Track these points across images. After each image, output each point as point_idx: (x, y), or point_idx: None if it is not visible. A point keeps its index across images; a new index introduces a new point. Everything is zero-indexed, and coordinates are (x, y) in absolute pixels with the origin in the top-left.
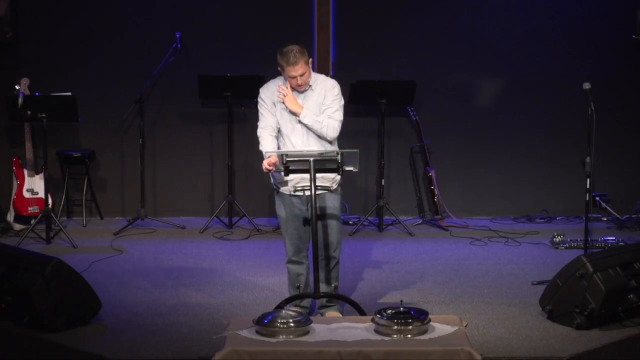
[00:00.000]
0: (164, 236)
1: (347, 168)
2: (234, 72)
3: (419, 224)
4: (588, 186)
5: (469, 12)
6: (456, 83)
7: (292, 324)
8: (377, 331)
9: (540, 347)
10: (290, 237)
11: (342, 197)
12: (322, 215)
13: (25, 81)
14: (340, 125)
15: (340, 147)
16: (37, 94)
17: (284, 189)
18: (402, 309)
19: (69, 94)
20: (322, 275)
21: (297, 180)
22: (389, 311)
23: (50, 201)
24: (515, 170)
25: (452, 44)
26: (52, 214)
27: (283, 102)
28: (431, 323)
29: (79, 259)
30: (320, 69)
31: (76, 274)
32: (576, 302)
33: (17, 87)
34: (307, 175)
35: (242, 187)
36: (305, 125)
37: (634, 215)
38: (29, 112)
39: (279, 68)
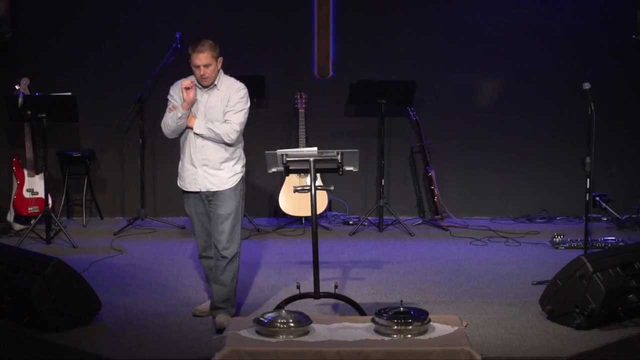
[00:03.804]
0: (164, 236)
1: (347, 168)
2: (234, 72)
3: (419, 224)
4: (588, 186)
5: (469, 12)
6: (456, 83)
7: (292, 324)
8: (377, 331)
9: (540, 347)
10: (198, 234)
11: (243, 195)
12: (212, 214)
13: (25, 81)
14: (239, 128)
15: (340, 147)
16: (37, 94)
17: (182, 185)
18: (402, 309)
19: (69, 94)
20: (213, 276)
21: (193, 177)
22: (389, 311)
23: (50, 201)
24: (515, 170)
25: (452, 44)
26: (52, 214)
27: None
28: (431, 323)
29: (79, 259)
30: (320, 69)
31: (76, 274)
32: (576, 302)
33: (17, 87)
34: (198, 172)
35: None
36: (200, 135)
37: (634, 215)
38: (29, 112)
39: (188, 59)
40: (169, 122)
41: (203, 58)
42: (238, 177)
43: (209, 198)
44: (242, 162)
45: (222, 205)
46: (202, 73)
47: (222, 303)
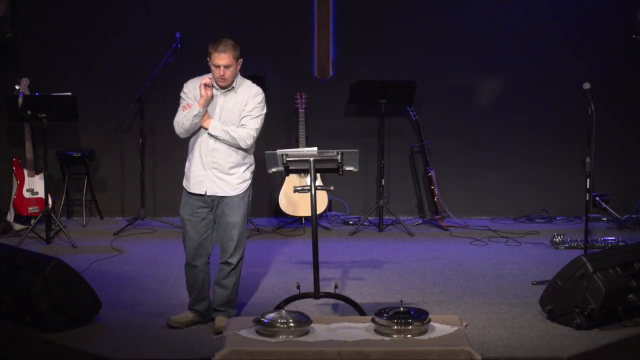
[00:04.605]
0: (164, 236)
1: (347, 168)
2: None
3: (419, 224)
4: (588, 186)
5: (469, 11)
6: (456, 83)
7: (292, 324)
8: (377, 331)
9: (540, 347)
10: (189, 240)
11: (249, 201)
12: (220, 220)
13: (25, 81)
14: (255, 134)
15: (340, 147)
16: (37, 94)
17: (186, 186)
18: (402, 309)
19: (69, 94)
20: (217, 278)
21: (200, 179)
22: (389, 311)
23: (50, 201)
24: (515, 170)
25: (452, 44)
26: (52, 214)
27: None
28: (431, 323)
29: (79, 259)
30: (320, 69)
31: (76, 274)
32: (576, 302)
33: (17, 87)
34: (207, 175)
35: None
36: (215, 137)
37: (634, 215)
38: (29, 112)
39: (207, 58)
40: (183, 120)
41: (225, 58)
42: (247, 184)
43: (214, 203)
44: (252, 168)
45: (230, 213)
46: (222, 73)
47: (222, 306)
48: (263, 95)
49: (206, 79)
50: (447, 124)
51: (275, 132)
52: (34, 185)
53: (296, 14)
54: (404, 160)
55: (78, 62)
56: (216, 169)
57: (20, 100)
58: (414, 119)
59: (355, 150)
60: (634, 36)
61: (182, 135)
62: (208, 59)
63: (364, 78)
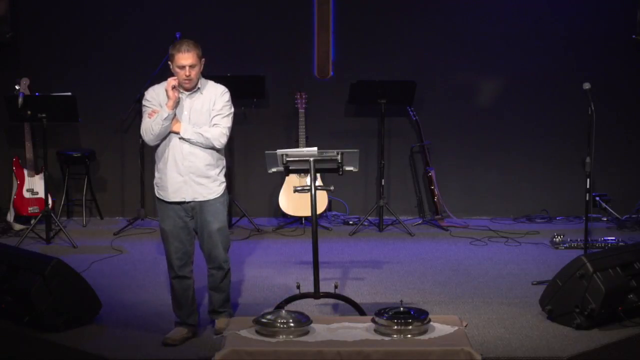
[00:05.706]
0: None
1: (347, 168)
2: (234, 72)
3: (419, 224)
4: (588, 186)
5: (468, 12)
6: (456, 83)
7: (292, 324)
8: (377, 331)
9: (540, 347)
10: (175, 251)
11: (227, 202)
12: (203, 227)
13: (25, 81)
14: (227, 132)
15: (340, 147)
16: (37, 94)
17: (163, 196)
18: (402, 309)
19: (69, 94)
20: (211, 284)
21: (178, 186)
22: (389, 311)
23: (50, 201)
24: (515, 170)
25: (452, 44)
26: (52, 214)
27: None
28: (431, 323)
29: (79, 259)
30: (320, 69)
31: (76, 274)
32: (576, 302)
33: (17, 87)
34: (185, 180)
35: (242, 187)
36: (188, 140)
37: (634, 215)
38: (29, 112)
39: (169, 62)
40: (152, 125)
41: (189, 58)
42: (224, 185)
43: (195, 210)
44: (225, 170)
45: (214, 220)
46: (187, 74)
47: (221, 307)
48: (229, 94)
49: (171, 80)
50: (447, 124)
51: (275, 132)
52: (34, 185)
53: (296, 14)
54: (404, 160)
55: (78, 61)
56: (193, 174)
57: (20, 100)
58: (414, 119)
59: (355, 150)
60: (634, 36)
61: (151, 143)
62: (170, 62)
63: (364, 78)
